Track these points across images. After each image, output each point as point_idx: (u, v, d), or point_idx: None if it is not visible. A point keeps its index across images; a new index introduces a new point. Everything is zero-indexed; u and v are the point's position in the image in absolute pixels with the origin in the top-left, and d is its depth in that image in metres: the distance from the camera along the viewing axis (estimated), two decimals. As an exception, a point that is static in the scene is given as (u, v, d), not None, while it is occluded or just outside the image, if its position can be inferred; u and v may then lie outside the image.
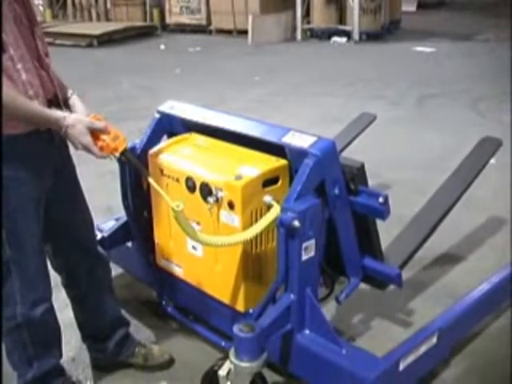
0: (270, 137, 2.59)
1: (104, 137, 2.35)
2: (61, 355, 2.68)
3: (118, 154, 2.41)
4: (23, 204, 2.34)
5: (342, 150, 3.93)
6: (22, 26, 2.25)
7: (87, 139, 2.31)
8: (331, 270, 2.84)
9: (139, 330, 3.19)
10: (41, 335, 2.53)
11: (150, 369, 2.92)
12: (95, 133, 2.34)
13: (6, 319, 2.48)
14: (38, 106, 2.24)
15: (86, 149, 2.34)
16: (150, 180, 2.53)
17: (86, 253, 2.72)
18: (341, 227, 2.63)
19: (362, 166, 2.62)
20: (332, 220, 2.58)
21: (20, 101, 2.17)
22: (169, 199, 2.43)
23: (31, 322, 2.46)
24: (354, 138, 4.23)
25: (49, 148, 2.40)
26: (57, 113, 2.29)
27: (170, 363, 2.95)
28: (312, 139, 2.48)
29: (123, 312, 3.00)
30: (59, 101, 2.42)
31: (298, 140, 2.51)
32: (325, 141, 2.49)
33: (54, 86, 2.42)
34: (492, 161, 3.41)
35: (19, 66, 2.21)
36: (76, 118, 2.30)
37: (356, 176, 2.60)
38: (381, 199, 2.54)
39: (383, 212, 2.57)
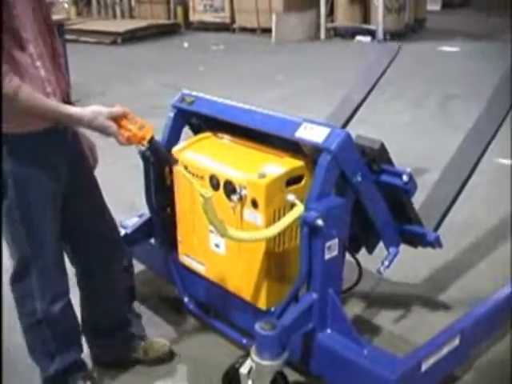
0: (284, 131, 2.56)
1: (130, 126, 2.33)
2: (81, 349, 2.70)
3: (145, 143, 2.39)
4: (41, 200, 2.36)
5: (373, 87, 3.93)
6: (40, 24, 2.28)
7: (112, 130, 2.30)
8: (370, 237, 2.85)
9: (160, 326, 3.21)
10: (61, 330, 2.55)
11: (163, 364, 2.93)
12: (122, 123, 2.33)
13: (26, 316, 2.50)
14: (59, 104, 2.25)
15: (113, 136, 2.34)
16: (180, 168, 2.53)
17: (103, 246, 2.72)
18: (371, 207, 2.62)
19: (382, 145, 2.59)
20: (360, 201, 2.57)
21: (43, 100, 2.19)
22: (198, 186, 2.42)
23: (51, 318, 2.48)
24: (383, 73, 4.08)
25: (63, 144, 2.42)
26: (77, 109, 2.30)
27: (170, 355, 2.95)
28: (325, 132, 2.44)
29: (141, 308, 3.00)
30: (70, 99, 2.45)
31: (311, 133, 2.46)
32: (338, 132, 2.44)
33: (67, 85, 2.45)
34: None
35: (38, 63, 2.23)
36: (94, 110, 2.29)
37: (377, 156, 2.59)
38: (405, 177, 2.54)
39: (409, 189, 2.58)
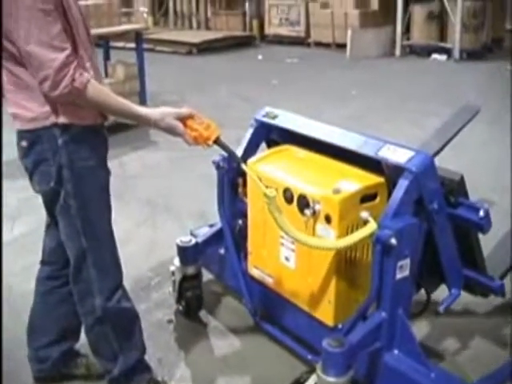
0: (367, 150, 2.57)
1: (196, 126, 2.38)
2: (144, 349, 2.70)
3: (211, 143, 2.42)
4: (96, 192, 2.42)
5: (442, 147, 3.82)
6: (86, 28, 2.37)
7: (180, 130, 2.37)
8: (431, 279, 2.81)
9: (225, 336, 3.22)
10: (121, 324, 2.58)
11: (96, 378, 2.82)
12: (188, 123, 2.39)
13: (87, 314, 2.54)
14: (128, 102, 2.34)
15: (181, 136, 2.40)
16: (243, 166, 2.56)
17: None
18: (441, 240, 2.59)
19: (462, 178, 2.59)
20: (431, 232, 2.54)
21: (113, 96, 2.29)
22: (262, 186, 2.44)
23: (110, 312, 2.51)
24: (457, 133, 3.96)
25: (107, 140, 2.51)
26: (145, 109, 2.40)
27: None
28: (409, 154, 2.45)
29: (208, 317, 3.00)
30: None
31: (395, 154, 2.48)
32: (422, 155, 2.46)
33: None
34: None
35: (88, 64, 2.31)
36: (163, 111, 2.38)
37: (456, 189, 2.56)
38: (481, 213, 2.49)
39: (484, 226, 2.53)
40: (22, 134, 2.34)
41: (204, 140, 2.40)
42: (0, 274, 2.71)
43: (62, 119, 2.27)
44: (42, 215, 2.66)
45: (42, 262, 2.77)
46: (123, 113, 2.33)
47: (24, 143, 2.34)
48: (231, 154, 2.62)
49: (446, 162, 3.10)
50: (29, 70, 2.19)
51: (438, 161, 2.59)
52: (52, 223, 2.59)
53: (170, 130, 2.38)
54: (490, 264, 2.87)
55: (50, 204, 2.46)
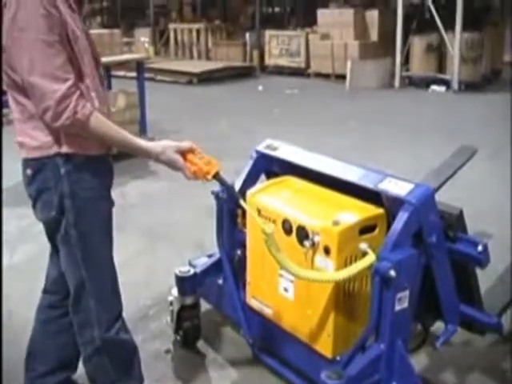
0: (367, 182, 2.58)
1: (196, 161, 2.39)
2: (142, 381, 2.67)
3: (210, 178, 2.43)
4: (97, 223, 2.42)
5: (440, 186, 3.86)
6: (93, 58, 2.38)
7: (180, 164, 2.38)
8: (428, 314, 2.80)
9: (223, 368, 3.20)
10: (119, 355, 2.55)
11: None
12: (189, 157, 2.40)
13: (86, 345, 2.52)
14: (129, 135, 2.34)
15: (180, 170, 2.41)
16: (242, 203, 2.56)
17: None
18: (438, 274, 2.59)
19: (461, 213, 2.59)
20: (429, 266, 2.54)
21: (114, 128, 2.29)
22: (261, 221, 2.45)
23: (109, 343, 2.49)
24: (454, 173, 3.99)
25: (112, 170, 2.51)
26: (146, 142, 2.40)
27: None
28: (409, 186, 2.47)
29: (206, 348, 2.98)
30: None
31: (395, 187, 2.49)
32: (422, 188, 2.47)
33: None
34: None
35: (93, 94, 2.32)
36: (164, 145, 2.38)
37: (454, 223, 2.57)
38: (480, 247, 2.50)
39: (482, 261, 2.53)
40: (27, 162, 2.35)
41: (203, 175, 2.41)
42: (0, 275, 2.70)
43: (64, 149, 2.28)
44: (41, 243, 2.66)
45: (44, 291, 2.77)
46: (125, 145, 2.33)
47: (28, 171, 2.35)
48: (230, 189, 2.64)
49: (445, 194, 3.12)
50: (31, 100, 2.21)
51: (436, 194, 2.60)
52: (54, 252, 2.59)
53: (170, 164, 2.38)
54: (488, 300, 2.86)
55: (51, 233, 2.46)
